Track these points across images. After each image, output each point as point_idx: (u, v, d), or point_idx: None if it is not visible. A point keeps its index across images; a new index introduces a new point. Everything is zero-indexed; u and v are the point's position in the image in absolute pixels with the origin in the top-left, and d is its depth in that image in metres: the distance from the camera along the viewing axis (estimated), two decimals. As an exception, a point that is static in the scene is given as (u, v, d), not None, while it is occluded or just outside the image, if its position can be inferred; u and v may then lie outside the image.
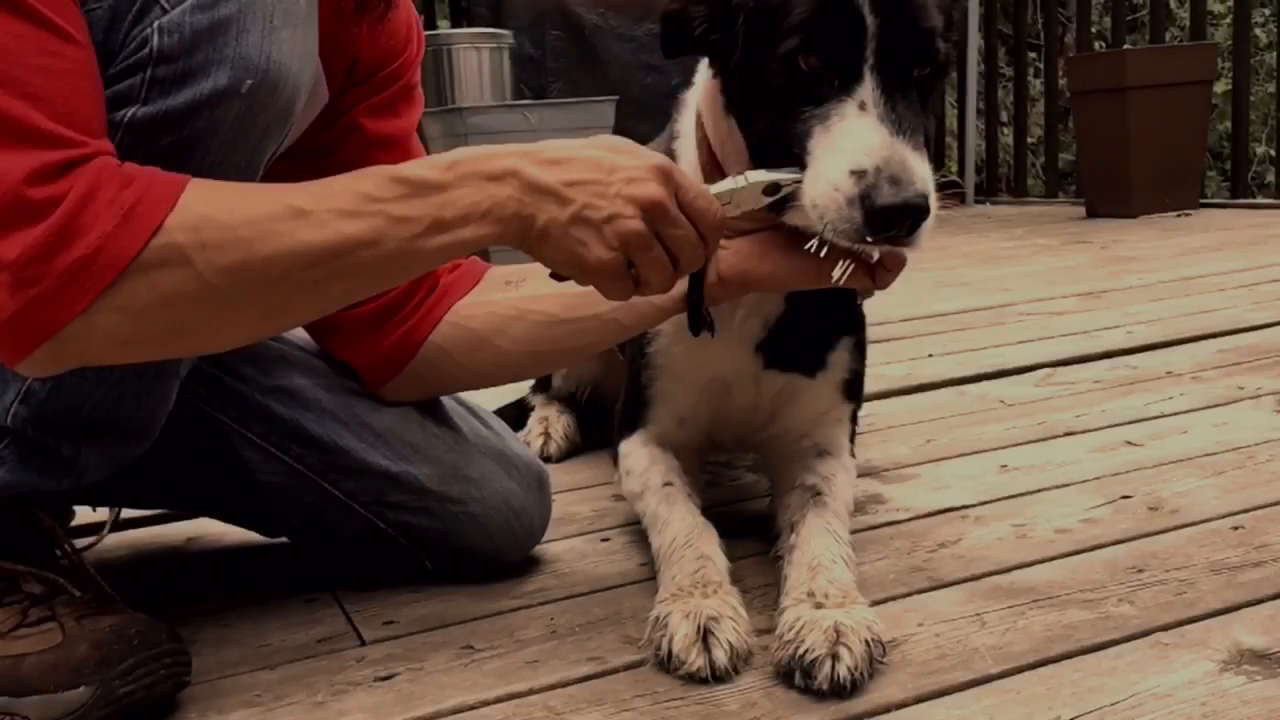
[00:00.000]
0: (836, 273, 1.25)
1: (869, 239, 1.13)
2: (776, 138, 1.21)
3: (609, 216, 1.07)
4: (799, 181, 1.18)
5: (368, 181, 1.07)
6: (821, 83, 1.17)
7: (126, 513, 1.61)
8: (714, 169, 1.39)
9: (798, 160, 1.18)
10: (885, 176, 1.11)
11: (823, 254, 1.23)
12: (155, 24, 1.04)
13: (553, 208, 1.08)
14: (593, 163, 1.09)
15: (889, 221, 1.11)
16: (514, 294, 1.41)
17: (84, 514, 1.52)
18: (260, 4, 1.08)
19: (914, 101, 1.19)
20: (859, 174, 1.12)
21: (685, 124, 1.47)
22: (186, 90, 1.05)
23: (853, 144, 1.13)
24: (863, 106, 1.15)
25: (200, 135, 1.07)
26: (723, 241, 1.31)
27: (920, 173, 1.12)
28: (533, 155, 1.09)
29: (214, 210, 1.01)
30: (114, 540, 1.65)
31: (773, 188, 1.18)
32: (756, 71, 1.23)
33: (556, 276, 1.17)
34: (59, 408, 1.16)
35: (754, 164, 1.28)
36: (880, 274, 1.29)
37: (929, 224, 1.14)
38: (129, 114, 1.05)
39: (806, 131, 1.17)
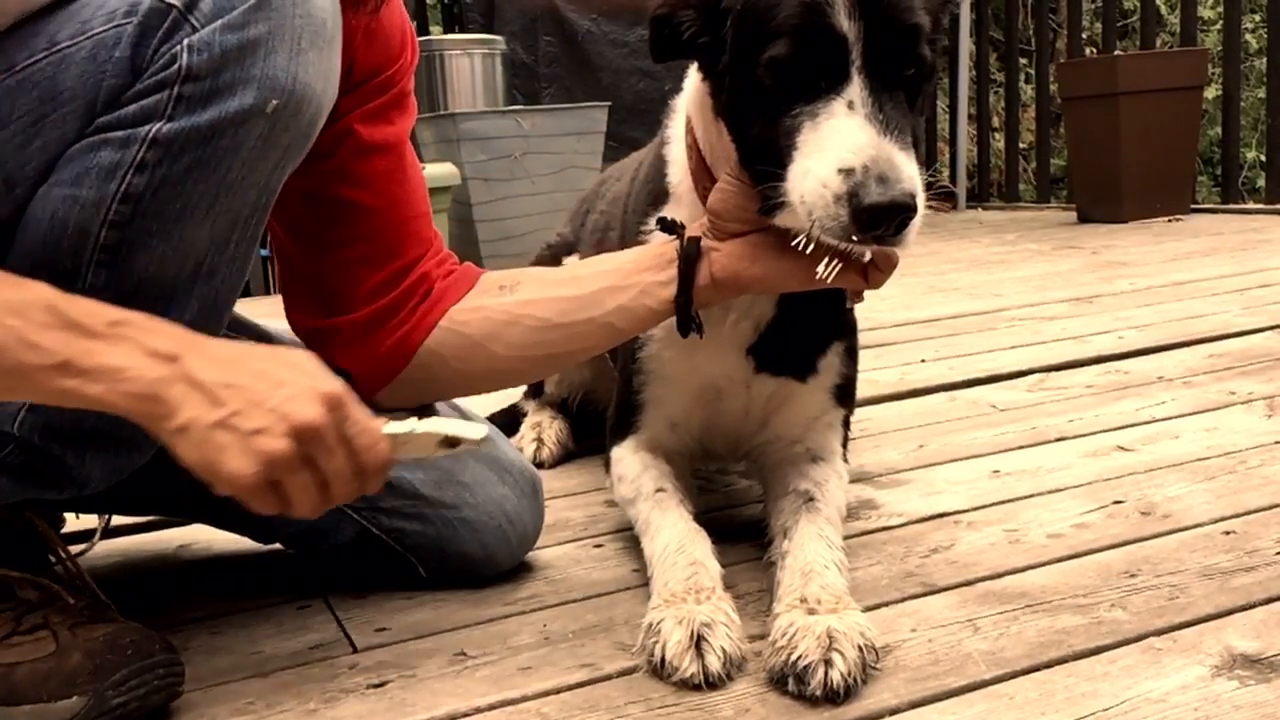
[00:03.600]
0: (821, 269, 1.25)
1: (855, 238, 1.13)
2: (765, 139, 1.21)
3: (256, 430, 1.01)
4: (477, 443, 1.13)
5: (28, 292, 1.00)
6: (809, 83, 1.17)
7: (117, 520, 1.60)
8: (704, 172, 1.40)
9: (785, 159, 1.18)
10: (873, 175, 1.10)
11: (809, 251, 1.23)
12: (185, 42, 1.05)
13: (201, 406, 1.00)
14: (261, 372, 1.04)
15: (876, 220, 1.11)
16: (508, 299, 1.41)
17: (72, 521, 1.52)
18: (290, 26, 1.09)
19: (902, 102, 1.19)
20: (846, 172, 1.12)
21: (675, 129, 1.47)
22: (212, 108, 1.06)
23: (840, 142, 1.13)
24: (851, 106, 1.15)
25: (223, 153, 1.08)
26: (715, 244, 1.32)
27: (908, 172, 1.12)
28: (205, 349, 1.03)
29: None
30: (105, 547, 1.65)
31: (450, 441, 1.13)
32: (745, 74, 1.23)
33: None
34: (66, 417, 1.15)
35: (744, 166, 1.28)
36: (873, 274, 1.29)
37: (916, 223, 1.14)
38: (153, 129, 1.06)
39: (795, 129, 1.17)
